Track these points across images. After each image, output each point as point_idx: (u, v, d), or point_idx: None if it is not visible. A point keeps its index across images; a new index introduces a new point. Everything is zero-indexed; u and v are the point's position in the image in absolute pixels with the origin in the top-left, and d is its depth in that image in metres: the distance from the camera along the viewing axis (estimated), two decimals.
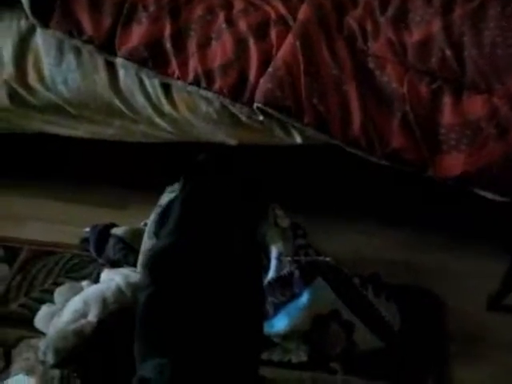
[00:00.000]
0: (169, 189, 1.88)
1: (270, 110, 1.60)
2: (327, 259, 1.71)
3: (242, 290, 1.26)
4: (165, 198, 1.84)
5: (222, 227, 1.33)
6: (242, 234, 1.34)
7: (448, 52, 1.62)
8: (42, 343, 1.44)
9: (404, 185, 1.80)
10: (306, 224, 1.90)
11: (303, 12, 1.70)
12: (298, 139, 1.70)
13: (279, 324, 1.67)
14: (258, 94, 1.61)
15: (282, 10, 1.73)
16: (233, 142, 1.77)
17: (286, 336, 1.69)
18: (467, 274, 1.93)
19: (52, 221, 2.03)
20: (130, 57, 1.68)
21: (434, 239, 1.99)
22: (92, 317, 1.49)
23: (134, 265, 1.76)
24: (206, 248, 1.28)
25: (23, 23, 1.79)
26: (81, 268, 1.88)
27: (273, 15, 1.71)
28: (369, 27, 1.68)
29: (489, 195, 1.60)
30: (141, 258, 1.73)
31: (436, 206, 1.97)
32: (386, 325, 1.72)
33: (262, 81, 1.62)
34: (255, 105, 1.62)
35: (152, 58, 1.68)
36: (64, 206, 2.07)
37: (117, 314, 1.50)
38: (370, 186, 1.96)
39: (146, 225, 1.83)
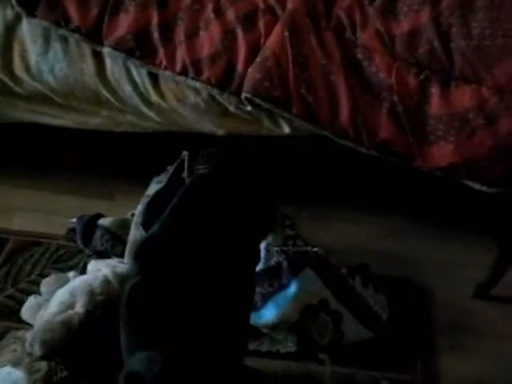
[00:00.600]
0: (156, 179, 1.87)
1: (258, 100, 1.60)
2: (315, 249, 1.71)
3: (232, 282, 1.26)
4: (152, 189, 1.83)
5: (219, 222, 1.31)
6: (241, 234, 1.32)
7: (436, 43, 1.61)
8: (28, 335, 1.43)
9: (392, 174, 1.80)
10: (294, 214, 1.91)
11: (292, 2, 1.68)
12: (287, 130, 1.69)
13: (267, 314, 1.67)
14: (246, 84, 1.60)
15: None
16: (221, 132, 1.76)
17: (275, 326, 1.69)
18: (454, 263, 1.94)
19: (39, 211, 2.02)
20: (117, 46, 1.66)
21: (422, 229, 2.00)
22: (79, 308, 1.48)
23: (122, 255, 1.75)
24: (197, 239, 1.27)
25: (9, 12, 1.75)
26: (67, 259, 1.88)
27: (261, 5, 1.70)
28: (357, 18, 1.67)
29: (476, 186, 1.60)
30: (128, 249, 1.72)
31: (424, 195, 1.97)
32: (373, 315, 1.73)
33: (250, 71, 1.61)
34: (243, 95, 1.61)
35: (139, 47, 1.66)
36: (51, 196, 2.06)
37: (104, 305, 1.49)
38: (357, 176, 1.96)
39: (133, 215, 1.82)
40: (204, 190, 1.37)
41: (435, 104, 1.59)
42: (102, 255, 1.79)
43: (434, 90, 1.60)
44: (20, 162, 2.09)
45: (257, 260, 1.44)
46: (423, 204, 2.00)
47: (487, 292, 1.89)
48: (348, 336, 1.72)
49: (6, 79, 1.79)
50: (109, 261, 1.70)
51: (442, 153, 1.59)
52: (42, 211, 2.02)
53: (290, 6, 1.68)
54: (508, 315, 1.87)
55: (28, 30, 1.75)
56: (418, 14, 1.65)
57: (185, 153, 1.77)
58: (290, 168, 1.93)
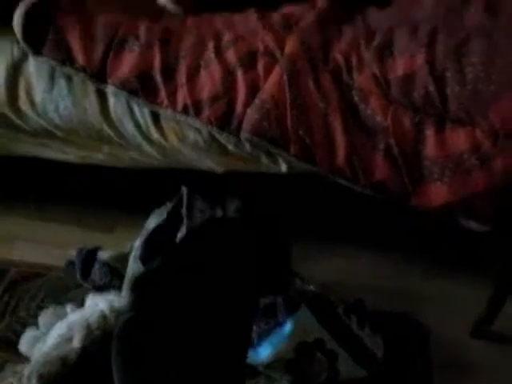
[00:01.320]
0: (156, 212, 1.91)
1: (256, 140, 1.64)
2: (311, 287, 1.73)
3: (229, 324, 1.27)
4: (151, 222, 1.87)
5: (220, 267, 1.32)
6: (241, 283, 1.33)
7: (431, 87, 1.64)
8: (26, 370, 1.45)
9: (390, 211, 1.82)
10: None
11: (290, 45, 1.72)
12: (284, 168, 1.73)
13: (263, 353, 1.69)
14: (245, 125, 1.65)
15: (270, 41, 1.75)
16: (220, 169, 1.80)
17: (270, 365, 1.71)
18: (453, 300, 1.95)
19: (39, 241, 2.06)
20: (121, 86, 1.71)
21: (420, 265, 2.02)
22: (76, 343, 1.50)
23: (120, 289, 1.78)
24: (196, 279, 1.28)
25: (16, 49, 1.81)
26: (66, 291, 1.90)
27: (260, 47, 1.74)
28: (354, 61, 1.70)
29: (472, 224, 1.64)
30: (126, 283, 1.75)
31: (419, 231, 1.99)
32: (369, 354, 1.74)
33: (249, 111, 1.65)
34: (242, 135, 1.65)
35: (142, 87, 1.70)
36: (51, 227, 2.10)
37: (101, 341, 1.51)
38: (355, 212, 1.98)
39: (131, 248, 1.85)
40: (208, 234, 1.39)
41: (430, 146, 1.62)
42: (100, 289, 1.81)
43: (429, 133, 1.63)
44: (21, 193, 2.13)
45: (256, 308, 1.45)
46: (421, 241, 2.02)
47: (486, 329, 1.90)
48: (343, 374, 1.73)
49: (12, 114, 1.84)
50: (107, 295, 1.72)
51: (438, 193, 1.62)
52: (43, 242, 2.05)
53: (288, 49, 1.72)
54: (507, 353, 1.88)
55: (34, 67, 1.80)
56: (413, 57, 1.68)
57: (184, 189, 1.80)
58: (287, 204, 1.95)
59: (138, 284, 1.31)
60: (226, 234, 1.38)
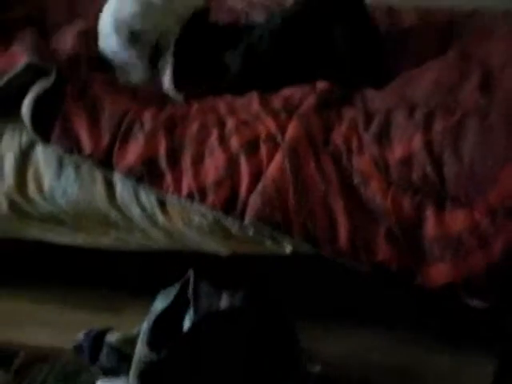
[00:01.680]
0: (162, 293, 1.92)
1: (260, 225, 1.68)
2: (317, 368, 1.74)
3: None
4: (158, 305, 1.88)
5: (227, 362, 1.34)
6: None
7: (429, 169, 1.69)
8: None
9: (392, 287, 1.85)
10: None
11: (291, 130, 1.78)
12: (288, 250, 1.76)
13: None
14: (249, 210, 1.69)
15: (272, 127, 1.81)
16: (225, 252, 1.84)
17: None
18: (456, 376, 1.95)
19: (48, 324, 2.06)
20: (127, 173, 1.77)
21: (423, 341, 2.02)
22: None
23: (128, 373, 1.79)
24: (202, 372, 1.30)
25: (25, 136, 1.88)
26: (75, 375, 1.89)
27: (263, 132, 1.80)
28: (353, 143, 1.76)
29: (474, 302, 1.67)
30: (133, 368, 1.75)
31: (424, 308, 2.00)
32: None
33: (252, 197, 1.70)
34: (246, 220, 1.69)
35: (148, 174, 1.76)
36: (59, 309, 2.10)
37: None
38: (358, 288, 2.00)
39: (139, 331, 1.87)
40: (212, 328, 1.41)
41: (430, 226, 1.66)
42: (109, 372, 1.82)
43: (429, 213, 1.67)
44: (28, 275, 2.13)
45: None
46: (424, 316, 2.03)
47: None
48: None
49: (20, 200, 1.89)
50: (115, 380, 1.73)
51: (440, 272, 1.65)
52: (51, 324, 2.06)
53: (289, 134, 1.77)
54: None
55: (43, 154, 1.87)
56: (411, 140, 1.73)
57: (190, 272, 1.83)
58: (292, 283, 1.98)
59: (144, 375, 1.34)
60: (230, 327, 1.41)
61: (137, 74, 2.15)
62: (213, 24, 2.37)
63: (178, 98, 2.05)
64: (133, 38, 2.08)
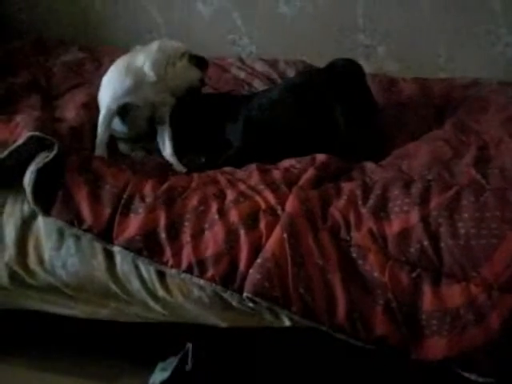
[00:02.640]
0: (160, 365, 1.93)
1: (258, 300, 1.69)
2: None
3: None
4: (157, 377, 1.88)
5: None
6: None
7: (426, 243, 1.70)
8: None
9: (390, 362, 1.84)
10: None
11: (290, 204, 1.80)
12: (287, 323, 1.76)
13: None
14: (248, 284, 1.70)
15: (271, 199, 1.83)
16: (223, 324, 1.84)
17: None
18: None
19: None
20: (127, 246, 1.78)
21: None
22: None
23: None
24: None
25: (26, 207, 1.89)
26: None
27: (262, 205, 1.81)
28: (351, 217, 1.78)
29: (472, 376, 1.67)
30: None
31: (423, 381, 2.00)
32: None
33: (251, 271, 1.71)
34: (245, 294, 1.70)
35: (147, 247, 1.77)
36: (53, 378, 2.08)
37: None
38: (356, 362, 1.99)
39: None
40: None
41: (428, 301, 1.67)
42: None
43: (426, 288, 1.68)
44: (22, 343, 2.14)
45: None
46: None
47: None
48: None
49: (20, 271, 1.90)
50: None
51: (437, 347, 1.66)
52: None
53: (288, 208, 1.79)
54: None
55: (43, 226, 1.88)
56: (408, 214, 1.75)
57: (189, 345, 1.83)
58: (289, 355, 1.97)
59: None
60: None
61: (136, 144, 2.21)
62: (210, 94, 2.43)
63: (181, 168, 2.10)
64: (124, 111, 2.14)
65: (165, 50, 2.12)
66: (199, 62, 2.18)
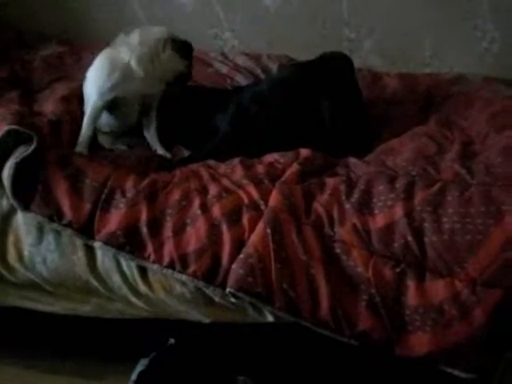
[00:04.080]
0: (142, 361, 1.90)
1: (241, 295, 1.67)
2: None
3: None
4: (138, 371, 1.86)
5: None
6: None
7: (410, 238, 1.69)
8: None
9: (375, 358, 1.83)
10: None
11: (273, 199, 1.78)
12: (270, 318, 1.75)
13: None
14: (231, 279, 1.68)
15: (255, 194, 1.81)
16: (207, 320, 1.82)
17: None
18: None
19: None
20: (108, 241, 1.75)
21: None
22: None
23: None
24: None
25: (5, 203, 1.85)
26: None
27: (245, 200, 1.79)
28: (335, 213, 1.76)
29: (455, 372, 1.66)
30: None
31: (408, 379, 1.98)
32: None
33: (234, 266, 1.69)
34: (227, 289, 1.68)
35: (129, 242, 1.75)
36: (38, 376, 2.06)
37: None
38: (342, 359, 1.98)
39: None
40: None
41: (412, 296, 1.66)
42: None
43: (410, 283, 1.67)
44: (7, 341, 2.10)
45: None
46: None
47: None
48: None
49: (0, 268, 1.86)
50: None
51: (420, 342, 1.65)
52: None
53: (272, 203, 1.77)
54: None
55: (23, 221, 1.85)
56: (392, 209, 1.74)
57: (171, 340, 1.81)
58: (274, 349, 1.96)
59: None
60: None
61: (117, 139, 2.18)
62: (198, 86, 2.41)
63: (168, 156, 2.10)
64: (112, 104, 2.12)
65: (146, 42, 2.09)
66: (183, 47, 2.15)
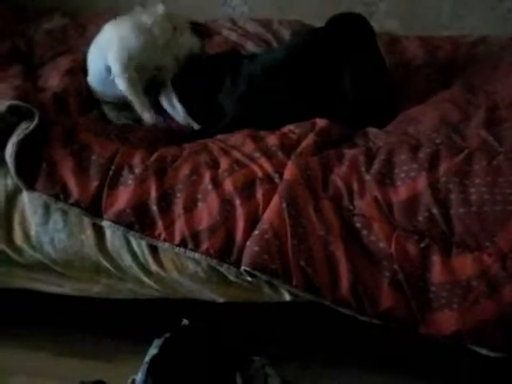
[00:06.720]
0: (156, 342, 1.84)
1: (257, 273, 1.59)
2: None
3: None
4: (151, 354, 1.80)
5: None
6: None
7: (435, 210, 1.60)
8: None
9: (396, 335, 1.76)
10: (296, 374, 1.85)
11: (289, 171, 1.69)
12: (287, 297, 1.68)
13: None
14: (245, 257, 1.60)
15: (268, 167, 1.72)
16: (221, 299, 1.76)
17: None
18: None
19: (37, 374, 1.97)
20: (117, 220, 1.68)
21: None
22: None
23: None
24: None
25: (9, 182, 1.78)
26: None
27: (259, 173, 1.71)
28: (354, 185, 1.67)
29: (483, 351, 1.58)
30: None
31: (427, 355, 1.91)
32: None
33: (248, 243, 1.61)
34: (242, 267, 1.60)
35: (138, 220, 1.67)
36: (49, 358, 2.02)
37: None
38: (360, 335, 1.91)
39: (133, 381, 1.78)
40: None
41: (437, 272, 1.58)
42: None
43: (436, 258, 1.58)
44: (17, 323, 2.05)
45: None
46: (427, 364, 1.94)
47: None
48: None
49: (6, 248, 1.80)
50: None
51: (447, 320, 1.56)
52: (41, 374, 1.97)
53: (287, 175, 1.69)
54: None
55: (28, 200, 1.78)
56: (416, 180, 1.65)
57: (185, 321, 1.74)
58: (292, 329, 1.89)
59: None
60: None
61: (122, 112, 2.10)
62: (210, 56, 2.30)
63: (195, 125, 2.05)
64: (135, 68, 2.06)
65: (171, 18, 2.12)
66: (201, 31, 2.21)
